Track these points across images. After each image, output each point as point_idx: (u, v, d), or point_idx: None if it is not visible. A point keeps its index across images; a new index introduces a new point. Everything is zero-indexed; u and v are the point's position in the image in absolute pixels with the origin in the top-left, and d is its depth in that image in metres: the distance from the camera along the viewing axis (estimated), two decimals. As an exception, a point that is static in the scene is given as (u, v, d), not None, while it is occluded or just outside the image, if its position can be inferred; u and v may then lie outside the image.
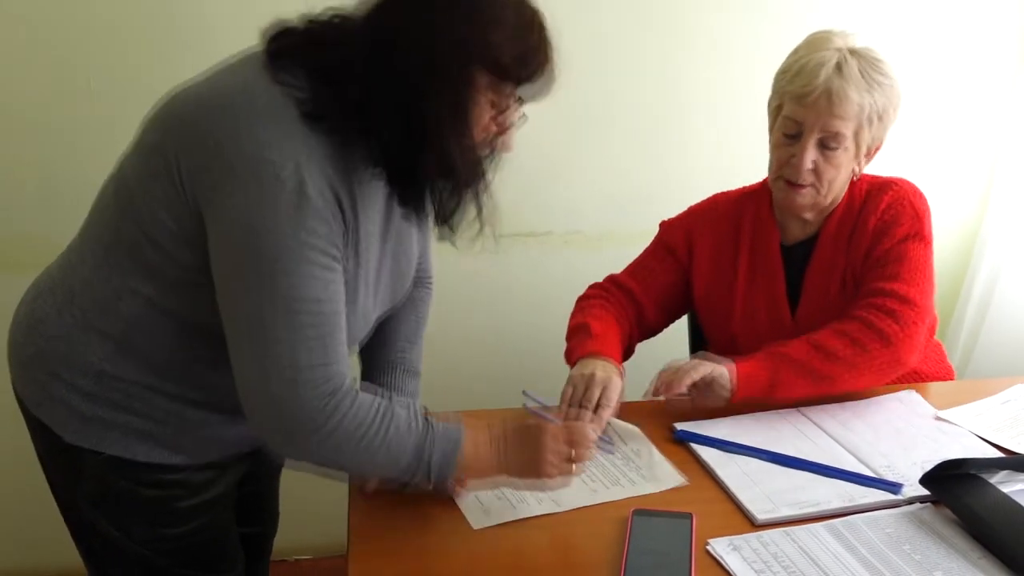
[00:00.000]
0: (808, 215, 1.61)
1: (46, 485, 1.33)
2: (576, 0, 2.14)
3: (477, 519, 1.23)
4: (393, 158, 1.11)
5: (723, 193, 1.76)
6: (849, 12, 2.26)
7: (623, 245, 2.05)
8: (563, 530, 1.22)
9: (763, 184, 1.70)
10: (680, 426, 1.45)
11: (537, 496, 1.27)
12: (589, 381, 1.42)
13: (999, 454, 1.40)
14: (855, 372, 1.48)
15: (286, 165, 1.04)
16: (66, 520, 1.32)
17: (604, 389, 1.41)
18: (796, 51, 1.59)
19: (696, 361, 1.49)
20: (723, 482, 1.31)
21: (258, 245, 1.04)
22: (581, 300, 1.72)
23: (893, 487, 1.29)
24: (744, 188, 1.75)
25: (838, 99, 1.49)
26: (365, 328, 1.29)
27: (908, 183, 1.63)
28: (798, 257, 1.65)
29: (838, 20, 2.22)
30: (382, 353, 1.45)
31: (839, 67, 1.50)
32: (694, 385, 1.46)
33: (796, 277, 1.65)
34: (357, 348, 1.37)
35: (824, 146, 1.52)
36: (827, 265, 1.62)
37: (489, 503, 1.26)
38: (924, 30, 2.33)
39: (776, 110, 1.59)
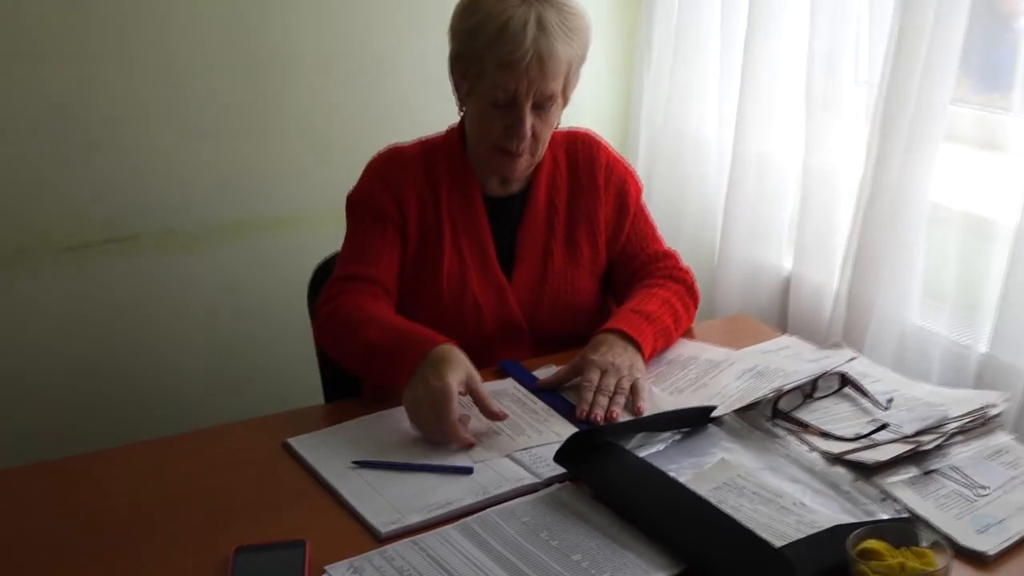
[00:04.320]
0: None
1: None
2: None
3: None
4: None
5: (398, 147, 1.55)
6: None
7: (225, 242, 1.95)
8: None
9: (448, 135, 1.54)
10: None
11: None
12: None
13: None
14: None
15: None
16: None
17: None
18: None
19: (632, 373, 1.34)
20: (343, 497, 1.12)
21: None
22: (332, 312, 1.41)
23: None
24: (423, 140, 1.55)
25: (549, 60, 1.37)
26: None
27: (590, 132, 1.60)
28: (504, 214, 1.53)
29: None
30: None
31: (541, 23, 1.36)
32: None
33: (506, 235, 1.52)
34: None
35: (538, 107, 1.41)
36: (543, 224, 1.53)
37: None
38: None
39: (469, 71, 1.42)
